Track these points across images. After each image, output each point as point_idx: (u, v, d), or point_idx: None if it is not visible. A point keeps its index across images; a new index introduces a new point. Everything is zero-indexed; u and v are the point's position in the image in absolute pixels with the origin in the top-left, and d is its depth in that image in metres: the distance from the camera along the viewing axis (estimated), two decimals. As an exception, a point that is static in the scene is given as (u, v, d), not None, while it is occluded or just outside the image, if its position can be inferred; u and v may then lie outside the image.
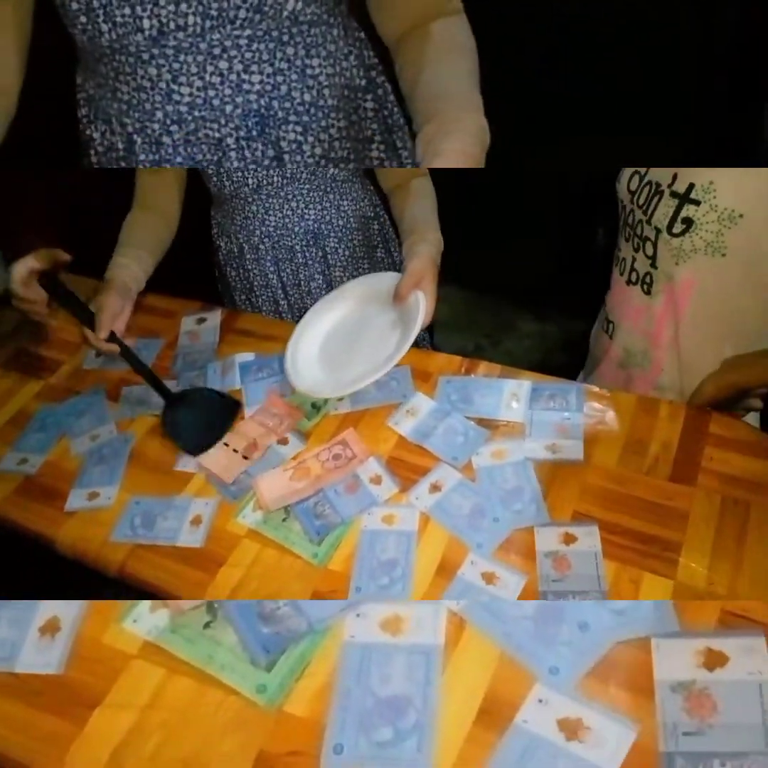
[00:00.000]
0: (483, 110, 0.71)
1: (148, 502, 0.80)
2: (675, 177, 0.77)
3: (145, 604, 0.67)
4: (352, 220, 1.05)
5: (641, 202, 0.82)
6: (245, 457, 0.82)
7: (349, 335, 0.94)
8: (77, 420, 0.92)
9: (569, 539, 0.68)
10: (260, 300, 1.11)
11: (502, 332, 2.11)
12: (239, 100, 0.81)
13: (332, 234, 1.05)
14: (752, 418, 0.84)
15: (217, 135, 0.83)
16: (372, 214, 1.08)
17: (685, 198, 0.75)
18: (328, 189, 1.00)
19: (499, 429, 0.80)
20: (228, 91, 0.80)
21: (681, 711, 0.53)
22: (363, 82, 0.88)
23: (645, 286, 0.85)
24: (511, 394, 0.84)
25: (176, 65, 0.78)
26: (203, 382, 0.94)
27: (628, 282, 0.87)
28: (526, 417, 0.81)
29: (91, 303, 0.88)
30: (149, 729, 0.58)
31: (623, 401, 0.81)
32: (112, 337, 0.87)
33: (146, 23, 0.73)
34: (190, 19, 0.74)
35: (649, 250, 0.82)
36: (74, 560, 0.77)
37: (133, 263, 0.95)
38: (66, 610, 0.67)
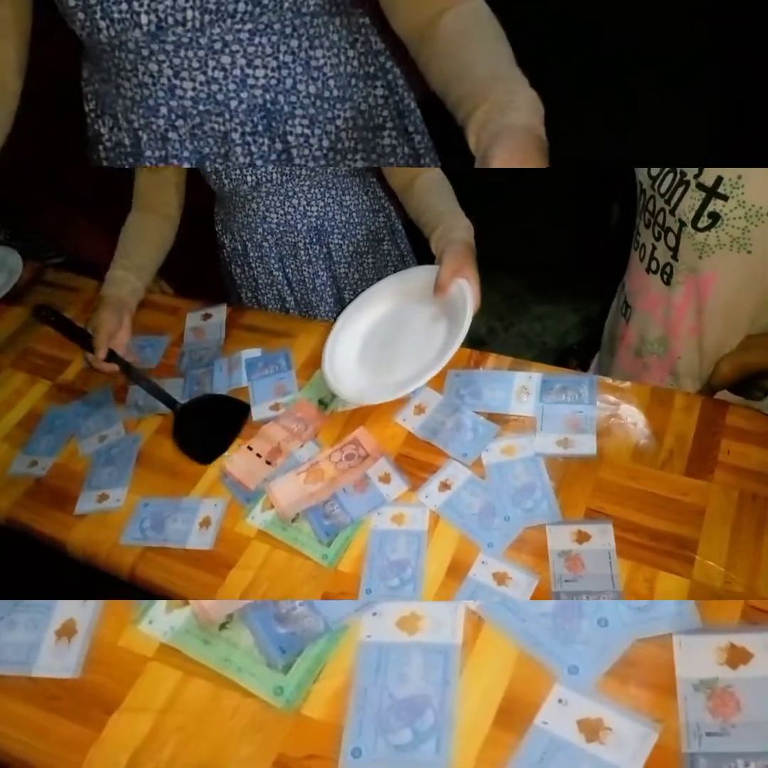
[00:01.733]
0: (528, 84, 0.65)
1: (157, 503, 0.80)
2: (702, 168, 0.73)
3: (160, 605, 0.67)
4: (355, 215, 1.03)
5: (664, 190, 0.79)
6: (268, 462, 0.81)
7: (389, 336, 0.91)
8: (85, 421, 0.92)
9: (582, 538, 0.67)
10: (266, 297, 1.10)
11: (514, 314, 2.08)
12: (244, 95, 0.80)
13: (335, 230, 1.03)
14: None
15: (222, 129, 0.82)
16: (377, 207, 1.06)
17: (712, 192, 0.72)
18: (330, 185, 0.98)
19: (510, 424, 0.79)
20: (232, 86, 0.79)
21: (704, 710, 0.52)
22: (371, 70, 0.86)
23: (665, 277, 0.83)
24: (521, 387, 0.82)
25: (177, 61, 0.76)
26: (210, 380, 0.94)
27: (648, 270, 0.85)
28: (536, 411, 0.80)
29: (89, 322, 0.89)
30: (166, 733, 0.59)
31: (637, 393, 0.80)
32: (112, 356, 0.87)
33: (144, 19, 0.72)
34: (189, 14, 0.72)
35: (671, 241, 0.79)
36: (85, 563, 0.78)
37: (130, 276, 0.94)
38: (82, 613, 0.67)
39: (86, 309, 1.09)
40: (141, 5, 0.71)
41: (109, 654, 0.64)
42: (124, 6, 0.71)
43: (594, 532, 0.67)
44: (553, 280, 2.05)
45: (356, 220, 1.03)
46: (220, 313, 1.03)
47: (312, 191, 0.97)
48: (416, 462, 0.78)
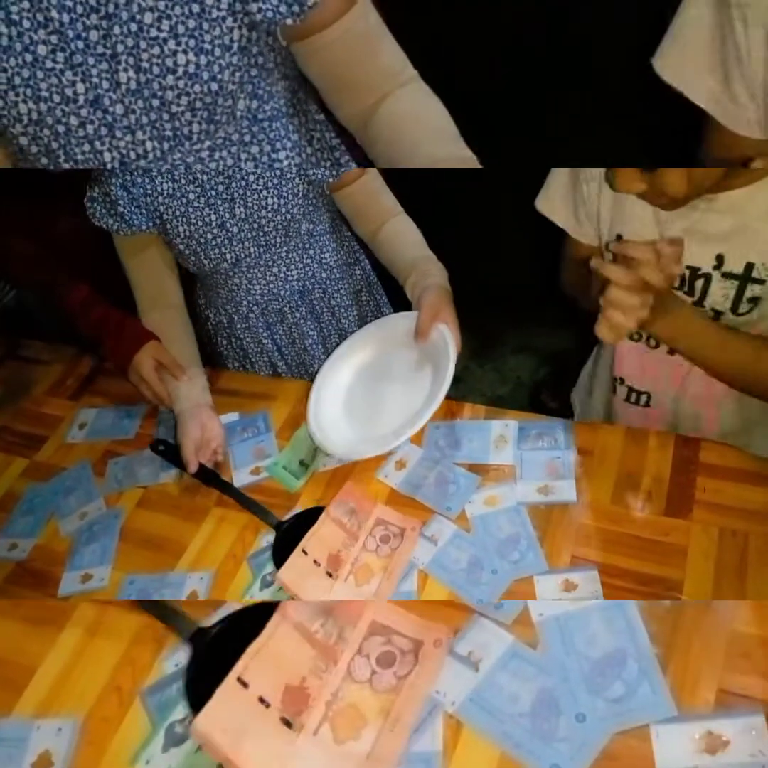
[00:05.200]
0: (468, 156, 0.71)
1: (143, 579, 0.79)
2: (720, 259, 0.72)
3: (157, 745, 0.63)
4: (335, 270, 1.03)
5: (675, 286, 0.76)
6: (329, 574, 0.71)
7: (373, 386, 0.90)
8: (65, 498, 0.91)
9: (570, 586, 0.67)
10: (256, 365, 1.09)
11: (488, 349, 2.10)
12: (230, 203, 0.84)
13: (316, 287, 1.03)
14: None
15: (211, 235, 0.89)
16: (352, 260, 1.07)
17: (746, 279, 0.71)
18: (307, 246, 0.98)
19: (490, 473, 0.80)
20: (221, 198, 0.82)
21: None
22: (326, 164, 0.88)
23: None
24: (498, 436, 0.83)
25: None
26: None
27: (671, 352, 0.82)
28: (515, 458, 0.80)
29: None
30: None
31: (611, 434, 0.81)
32: (202, 470, 0.86)
33: (107, 157, 0.72)
34: (148, 145, 0.72)
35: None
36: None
37: (192, 376, 0.93)
38: (57, 742, 0.64)
39: (61, 382, 1.10)
40: (103, 144, 0.71)
41: None
42: (86, 147, 0.71)
43: (581, 580, 0.67)
44: (524, 310, 2.08)
45: (337, 275, 1.04)
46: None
47: (290, 256, 0.98)
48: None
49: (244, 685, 0.56)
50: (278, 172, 0.83)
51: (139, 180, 0.84)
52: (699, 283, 0.74)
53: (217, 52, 0.67)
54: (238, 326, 1.05)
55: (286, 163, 0.81)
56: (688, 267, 0.75)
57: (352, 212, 0.95)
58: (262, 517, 0.81)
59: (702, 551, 0.67)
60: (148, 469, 0.92)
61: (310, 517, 0.78)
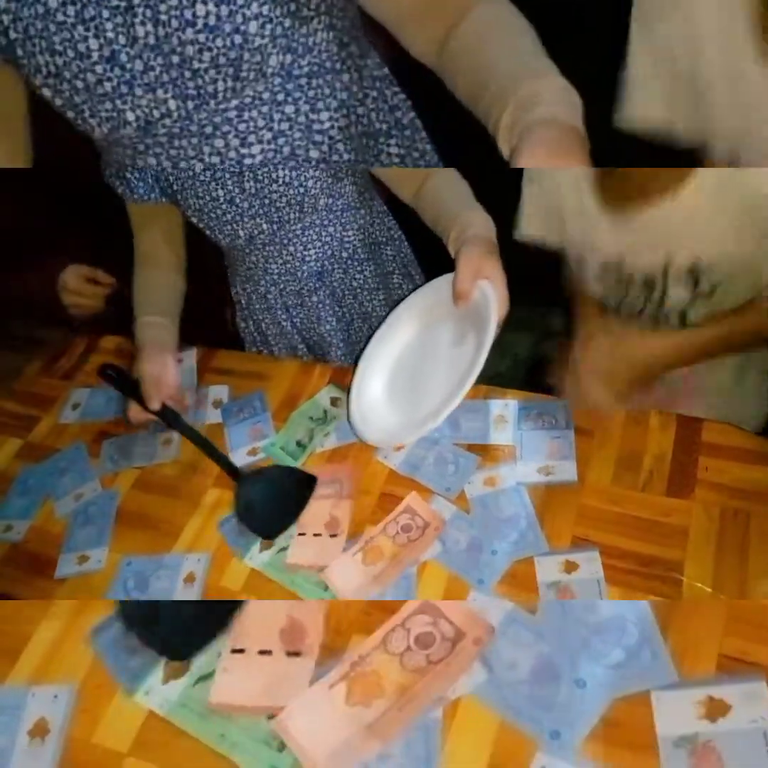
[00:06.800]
0: (559, 74, 0.57)
1: (140, 561, 0.78)
2: (669, 258, 0.73)
3: (157, 675, 0.65)
4: (359, 250, 0.96)
5: (636, 293, 0.79)
6: (333, 535, 0.74)
7: (418, 364, 0.82)
8: (60, 479, 0.90)
9: (570, 567, 0.66)
10: (276, 348, 1.05)
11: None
12: (239, 177, 0.79)
13: (337, 267, 0.96)
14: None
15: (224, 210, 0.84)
16: (384, 239, 0.99)
17: (696, 274, 0.72)
18: (326, 223, 0.91)
19: (490, 454, 0.79)
20: (229, 171, 0.76)
21: (686, 767, 0.52)
22: (384, 127, 0.82)
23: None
24: (498, 416, 0.82)
25: (173, 151, 0.74)
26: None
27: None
28: (515, 439, 0.79)
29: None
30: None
31: (613, 413, 0.80)
32: (164, 409, 0.84)
33: (130, 116, 0.69)
34: (172, 105, 0.68)
35: (675, 320, 0.79)
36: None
37: (163, 319, 0.90)
38: (54, 709, 0.65)
39: (53, 362, 1.08)
40: (125, 103, 0.68)
41: (84, 752, 0.62)
42: (109, 105, 0.68)
43: (581, 560, 0.67)
44: (521, 287, 2.06)
45: (362, 255, 0.96)
46: (190, 357, 1.01)
47: (307, 234, 0.90)
48: (400, 500, 0.77)
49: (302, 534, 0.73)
50: (319, 137, 0.75)
51: (142, 147, 0.76)
52: (657, 289, 0.76)
53: (240, 1, 0.62)
54: (257, 307, 1.01)
55: (328, 124, 0.75)
56: (642, 275, 0.76)
57: (391, 172, 0.86)
58: (225, 466, 0.82)
59: (703, 532, 0.67)
60: (143, 450, 0.91)
61: (273, 472, 0.82)
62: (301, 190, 0.84)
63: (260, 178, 0.82)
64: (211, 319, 1.08)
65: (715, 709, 0.53)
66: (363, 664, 0.60)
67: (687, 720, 0.54)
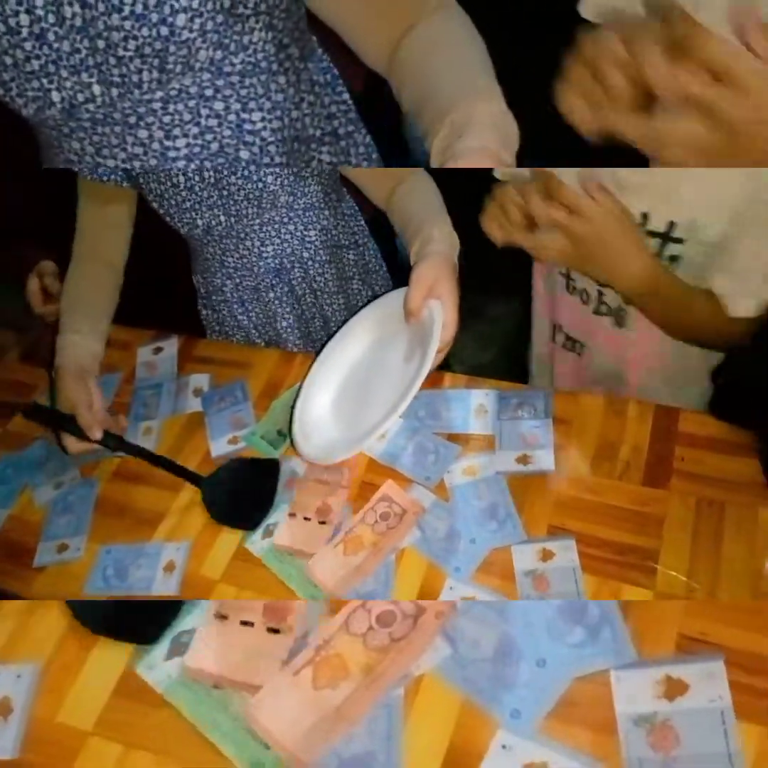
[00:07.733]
0: (501, 97, 0.58)
1: (119, 550, 0.78)
2: (646, 216, 0.71)
3: (160, 651, 0.65)
4: (321, 251, 0.95)
5: None
6: (322, 522, 0.74)
7: (368, 377, 0.81)
8: (39, 468, 0.89)
9: (547, 556, 0.67)
10: (233, 340, 1.04)
11: (469, 317, 2.08)
12: (165, 168, 0.77)
13: (297, 266, 0.95)
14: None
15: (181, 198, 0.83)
16: (347, 243, 0.98)
17: (666, 237, 0.70)
18: (286, 220, 0.90)
19: (470, 443, 0.79)
20: (152, 161, 0.74)
21: (645, 746, 0.52)
22: (317, 133, 0.81)
23: (618, 319, 0.81)
24: (479, 406, 0.82)
25: (96, 138, 0.72)
26: (156, 408, 0.92)
27: (597, 312, 0.83)
28: (495, 428, 0.80)
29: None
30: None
31: (591, 403, 0.80)
32: (106, 436, 0.82)
33: (56, 96, 0.68)
34: (96, 89, 0.67)
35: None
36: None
37: (86, 340, 0.87)
38: (16, 688, 0.65)
39: (34, 349, 1.06)
40: (51, 82, 0.67)
41: (47, 731, 0.63)
42: (35, 83, 0.67)
43: (558, 549, 0.67)
44: (502, 278, 2.06)
45: (323, 257, 0.95)
46: (171, 345, 1.00)
47: (265, 229, 0.90)
48: (378, 489, 0.77)
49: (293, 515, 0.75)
50: (250, 137, 0.75)
51: (66, 130, 0.74)
52: None
53: None
54: (214, 298, 1.01)
55: (260, 125, 0.75)
56: None
57: (362, 175, 0.85)
58: (184, 475, 0.80)
59: (679, 521, 0.67)
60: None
61: (234, 467, 0.82)
62: (260, 185, 0.84)
63: (219, 168, 0.81)
64: (190, 308, 1.07)
65: (674, 689, 0.54)
66: (327, 648, 0.60)
67: (646, 699, 0.54)
